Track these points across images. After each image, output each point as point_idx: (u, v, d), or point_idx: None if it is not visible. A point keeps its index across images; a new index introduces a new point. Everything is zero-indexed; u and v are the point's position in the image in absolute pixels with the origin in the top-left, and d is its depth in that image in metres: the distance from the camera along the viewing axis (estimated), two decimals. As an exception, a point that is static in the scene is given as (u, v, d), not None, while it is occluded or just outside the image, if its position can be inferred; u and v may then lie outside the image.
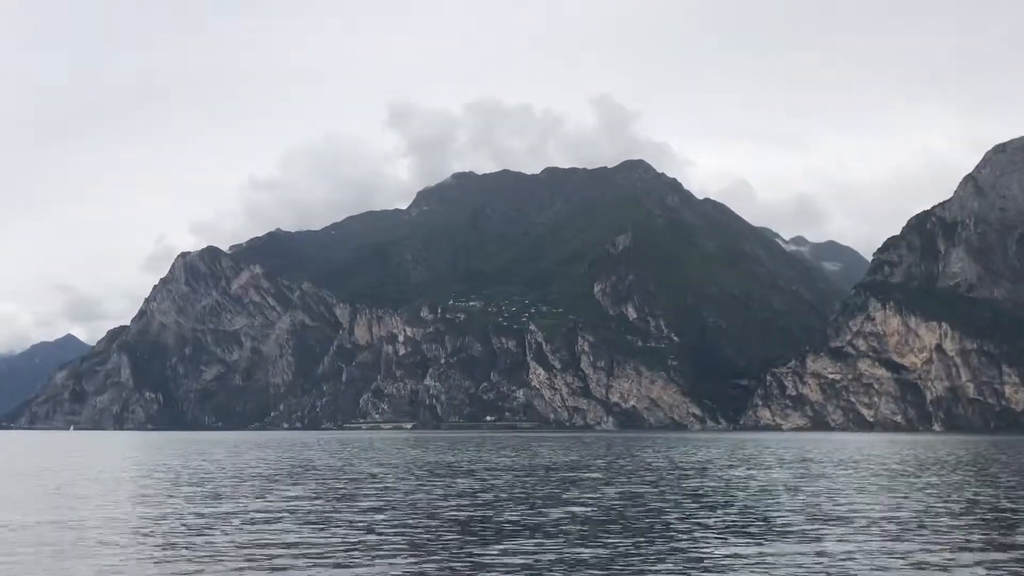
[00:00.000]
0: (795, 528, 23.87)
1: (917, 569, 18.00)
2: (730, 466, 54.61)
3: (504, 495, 33.40)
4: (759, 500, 31.57)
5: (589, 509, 28.55)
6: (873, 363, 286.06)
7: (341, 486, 38.43)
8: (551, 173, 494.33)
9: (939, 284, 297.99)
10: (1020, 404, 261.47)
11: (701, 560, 18.91)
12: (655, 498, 32.38)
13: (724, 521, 25.33)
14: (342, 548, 20.36)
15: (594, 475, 45.62)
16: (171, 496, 33.62)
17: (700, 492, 34.90)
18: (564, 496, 33.11)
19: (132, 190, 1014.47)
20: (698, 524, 24.66)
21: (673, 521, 25.36)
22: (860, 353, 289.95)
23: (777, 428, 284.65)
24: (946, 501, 31.35)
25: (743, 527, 24.05)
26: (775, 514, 27.08)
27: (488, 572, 17.64)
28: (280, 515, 26.85)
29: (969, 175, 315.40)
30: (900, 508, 28.98)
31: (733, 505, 29.83)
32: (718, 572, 17.67)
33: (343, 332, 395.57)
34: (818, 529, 23.65)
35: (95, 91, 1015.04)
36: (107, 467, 57.31)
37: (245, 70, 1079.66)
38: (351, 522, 25.28)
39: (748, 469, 51.48)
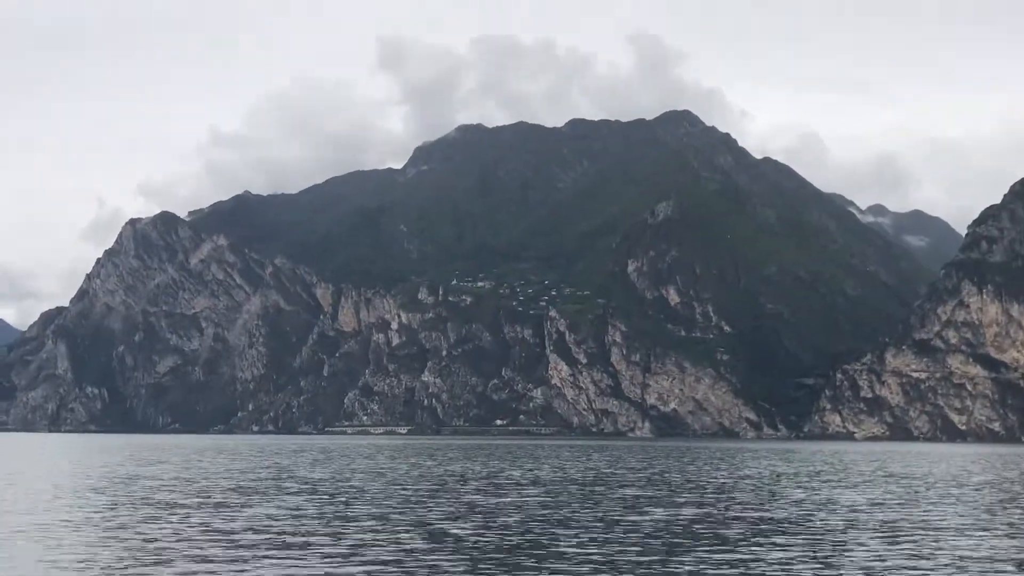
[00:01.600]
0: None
1: None
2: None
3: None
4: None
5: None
6: (966, 359, 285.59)
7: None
8: (577, 126, 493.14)
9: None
10: None
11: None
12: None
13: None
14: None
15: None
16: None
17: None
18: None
19: (69, 145, 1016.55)
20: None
21: None
22: (951, 347, 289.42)
23: (849, 437, 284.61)
24: None
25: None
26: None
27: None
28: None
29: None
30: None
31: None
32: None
33: (324, 317, 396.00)
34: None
35: (22, 29, 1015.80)
36: None
37: (203, 2, 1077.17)
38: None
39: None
